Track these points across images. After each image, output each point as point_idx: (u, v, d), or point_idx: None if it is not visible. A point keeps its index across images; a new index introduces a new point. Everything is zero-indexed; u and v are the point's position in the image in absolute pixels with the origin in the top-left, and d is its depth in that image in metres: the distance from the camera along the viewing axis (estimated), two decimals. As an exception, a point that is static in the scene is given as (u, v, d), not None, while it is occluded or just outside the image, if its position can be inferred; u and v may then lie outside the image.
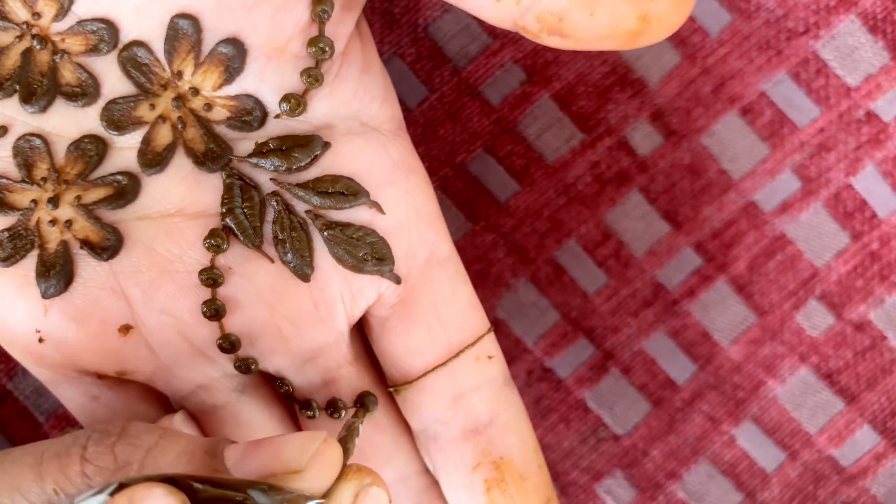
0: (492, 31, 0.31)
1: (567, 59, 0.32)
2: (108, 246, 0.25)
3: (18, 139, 0.25)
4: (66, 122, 0.25)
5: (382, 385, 0.27)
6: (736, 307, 0.32)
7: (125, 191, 0.25)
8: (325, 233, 0.25)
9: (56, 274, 0.25)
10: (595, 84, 0.32)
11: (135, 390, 0.27)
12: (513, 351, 0.32)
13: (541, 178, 0.32)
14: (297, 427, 0.27)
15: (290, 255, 0.25)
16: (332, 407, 0.26)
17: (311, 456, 0.21)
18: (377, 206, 0.25)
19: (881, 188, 0.32)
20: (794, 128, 0.32)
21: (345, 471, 0.22)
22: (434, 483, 0.27)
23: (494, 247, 0.32)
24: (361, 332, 0.27)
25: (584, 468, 0.32)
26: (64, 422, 0.31)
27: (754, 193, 0.32)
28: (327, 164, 0.25)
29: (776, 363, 0.32)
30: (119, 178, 0.25)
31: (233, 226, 0.25)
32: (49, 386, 0.27)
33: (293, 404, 0.27)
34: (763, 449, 0.33)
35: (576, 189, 0.32)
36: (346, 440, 0.23)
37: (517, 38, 0.31)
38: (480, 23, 0.31)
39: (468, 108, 0.31)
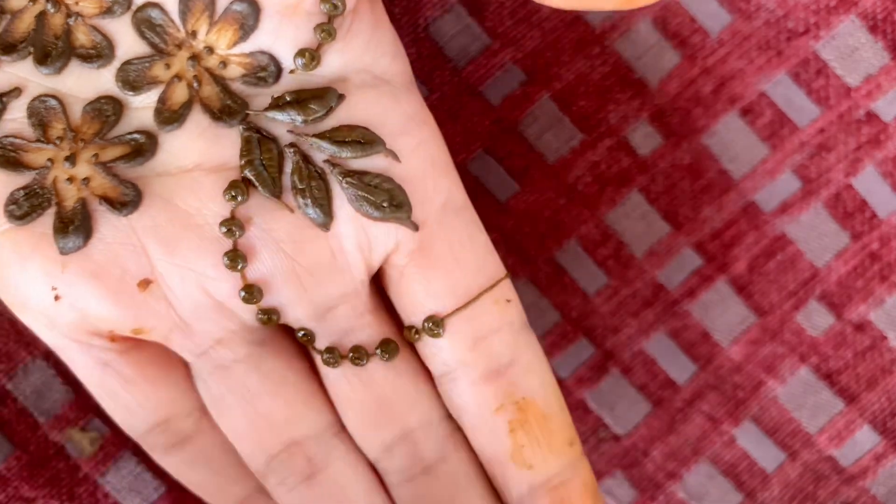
0: (492, 31, 0.31)
1: (567, 59, 0.32)
2: (128, 201, 0.25)
3: (33, 100, 0.25)
4: (81, 84, 0.25)
5: (401, 334, 0.27)
6: (736, 307, 0.32)
7: (143, 148, 0.25)
8: (344, 181, 0.25)
9: (75, 230, 0.25)
10: (595, 84, 0.32)
11: (148, 354, 0.27)
12: (513, 351, 0.32)
13: (541, 179, 0.32)
14: (318, 378, 0.27)
15: (309, 203, 0.25)
16: (356, 353, 0.26)
17: None
18: (393, 155, 0.26)
19: (881, 188, 0.32)
20: (795, 128, 0.32)
21: None
22: (458, 429, 0.27)
23: (494, 247, 0.32)
24: (379, 284, 0.27)
25: (585, 468, 0.32)
26: (64, 422, 0.31)
27: (754, 194, 0.32)
28: (343, 116, 0.26)
29: (776, 363, 0.32)
30: (136, 136, 0.25)
31: (252, 177, 0.25)
32: (59, 352, 0.26)
33: (314, 354, 0.27)
34: (763, 449, 0.33)
35: (576, 189, 0.32)
36: None
37: (517, 38, 0.31)
38: (480, 23, 0.31)
39: (468, 108, 0.31)
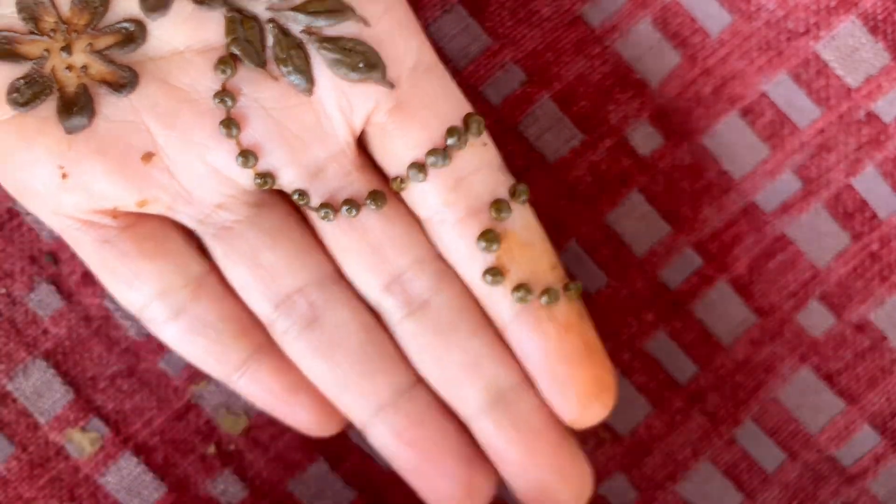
0: (492, 31, 0.31)
1: (568, 59, 0.32)
2: (126, 83, 0.27)
3: None
4: None
5: (388, 186, 0.29)
6: (736, 308, 0.32)
7: (133, 36, 0.27)
8: (321, 47, 0.27)
9: (79, 111, 0.27)
10: (595, 84, 0.32)
11: (146, 230, 0.29)
12: (513, 351, 0.32)
13: (541, 178, 0.32)
14: (315, 235, 0.29)
15: (291, 71, 0.27)
16: (348, 205, 0.28)
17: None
18: (363, 20, 0.27)
19: (882, 189, 0.32)
20: (795, 128, 0.32)
21: None
22: (448, 266, 0.29)
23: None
24: (363, 146, 0.29)
25: (585, 468, 0.32)
26: (64, 423, 0.31)
27: (755, 194, 0.32)
28: None
29: (777, 363, 0.32)
30: (126, 24, 0.27)
31: (238, 52, 0.27)
32: (63, 234, 0.29)
33: (310, 213, 0.29)
34: (763, 449, 0.33)
35: (576, 189, 0.32)
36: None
37: (517, 39, 0.31)
38: (480, 23, 0.31)
39: (468, 109, 0.31)
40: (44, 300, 0.31)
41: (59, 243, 0.31)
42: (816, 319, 0.32)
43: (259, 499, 0.32)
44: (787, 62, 0.31)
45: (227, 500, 0.32)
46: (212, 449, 0.32)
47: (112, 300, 0.31)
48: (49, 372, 0.31)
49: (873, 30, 0.31)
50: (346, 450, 0.32)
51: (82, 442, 0.32)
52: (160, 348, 0.32)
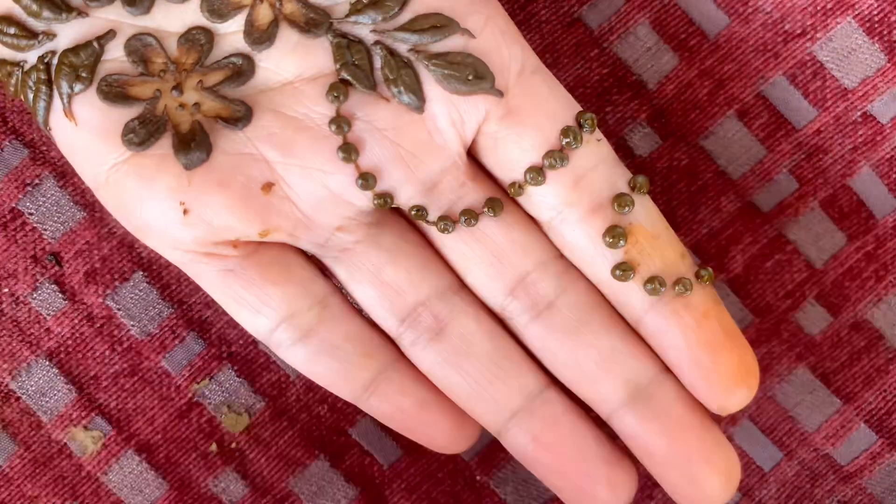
0: (491, 33, 0.31)
1: (566, 61, 0.32)
2: (241, 116, 0.28)
3: (129, 39, 0.27)
4: (169, 19, 0.27)
5: (505, 193, 0.29)
6: (734, 307, 0.32)
7: (242, 70, 0.28)
8: (430, 64, 0.27)
9: (196, 146, 0.27)
10: (594, 86, 0.32)
11: (268, 256, 0.29)
12: (512, 351, 0.32)
13: (540, 179, 0.32)
14: (433, 248, 0.29)
15: (402, 90, 0.28)
16: (467, 216, 0.28)
17: None
18: (468, 32, 0.28)
19: (877, 189, 0.32)
20: (792, 129, 0.32)
21: None
22: (572, 266, 0.29)
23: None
24: (472, 156, 0.29)
25: (583, 467, 0.32)
26: (67, 421, 0.32)
27: (752, 194, 0.32)
28: (416, 7, 0.28)
29: (774, 363, 0.32)
30: (234, 59, 0.28)
31: (349, 77, 0.28)
32: (185, 268, 0.29)
33: (428, 227, 0.29)
34: (760, 448, 0.33)
35: (575, 190, 0.32)
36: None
37: (516, 40, 0.32)
38: (480, 25, 0.31)
39: (468, 110, 0.31)
40: (46, 300, 0.31)
41: (62, 244, 0.31)
42: (813, 319, 0.32)
43: (260, 497, 0.32)
44: (784, 64, 0.32)
45: (229, 498, 0.32)
46: (213, 447, 0.32)
47: (114, 299, 0.32)
48: (52, 371, 0.32)
49: (869, 31, 0.31)
50: (346, 447, 0.32)
51: (85, 440, 0.32)
52: (162, 347, 0.32)
